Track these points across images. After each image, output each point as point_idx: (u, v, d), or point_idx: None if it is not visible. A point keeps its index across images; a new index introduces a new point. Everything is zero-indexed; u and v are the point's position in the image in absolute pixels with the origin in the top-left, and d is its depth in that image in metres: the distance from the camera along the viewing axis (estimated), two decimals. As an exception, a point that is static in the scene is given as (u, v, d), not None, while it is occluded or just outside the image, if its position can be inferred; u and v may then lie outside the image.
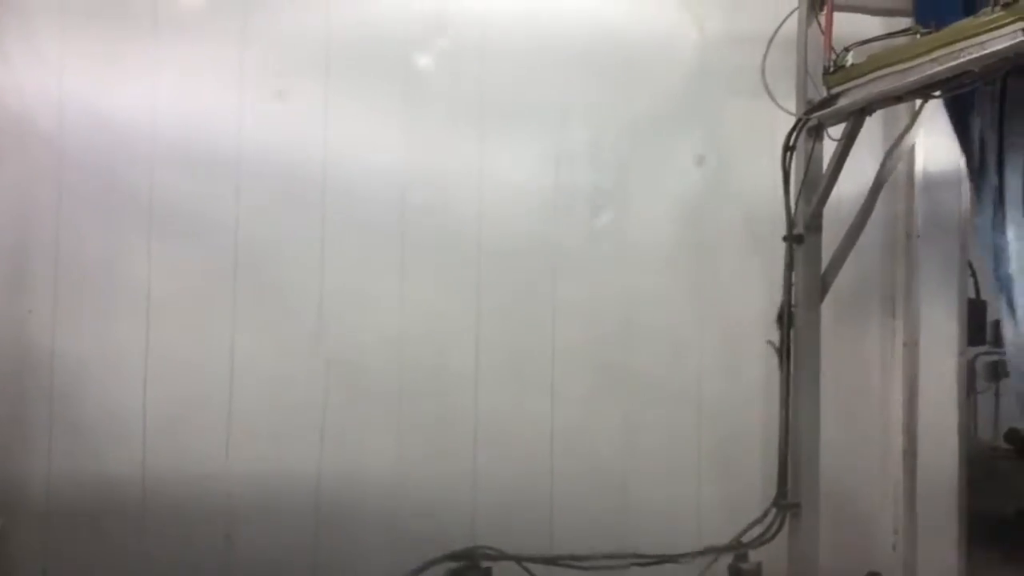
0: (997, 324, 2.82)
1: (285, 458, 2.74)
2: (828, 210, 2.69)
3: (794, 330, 2.70)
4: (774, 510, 2.71)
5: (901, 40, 2.31)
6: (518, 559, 2.70)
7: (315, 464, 2.76)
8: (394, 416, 2.80)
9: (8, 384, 2.68)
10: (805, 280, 2.69)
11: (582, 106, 2.91)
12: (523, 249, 2.88)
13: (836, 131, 2.58)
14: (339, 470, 2.76)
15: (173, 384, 2.72)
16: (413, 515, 2.77)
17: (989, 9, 1.90)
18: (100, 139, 2.72)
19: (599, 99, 2.91)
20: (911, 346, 2.98)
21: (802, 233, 2.67)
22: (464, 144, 2.86)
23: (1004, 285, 2.30)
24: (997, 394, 4.04)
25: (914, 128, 2.71)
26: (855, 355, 3.00)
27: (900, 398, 3.01)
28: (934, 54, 2.03)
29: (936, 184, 2.95)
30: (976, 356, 3.71)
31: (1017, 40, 1.81)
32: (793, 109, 2.69)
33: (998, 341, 2.97)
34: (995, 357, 3.77)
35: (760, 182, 2.79)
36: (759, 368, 2.85)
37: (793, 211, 2.68)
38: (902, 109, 2.71)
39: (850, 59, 2.38)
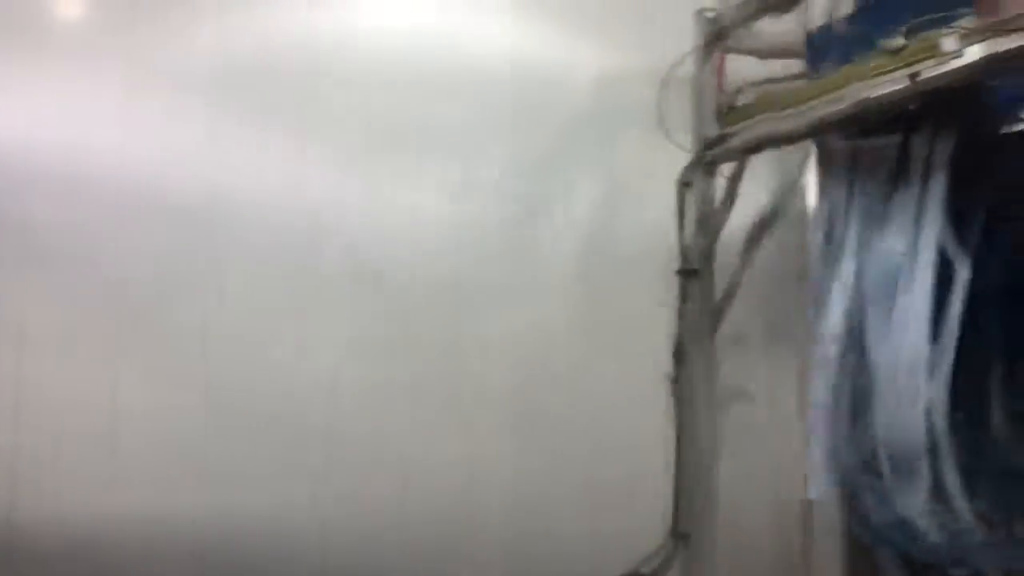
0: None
1: (168, 500, 2.63)
2: (728, 244, 2.73)
3: (686, 362, 2.73)
4: (671, 540, 2.73)
5: (797, 83, 2.36)
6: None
7: (200, 507, 2.64)
8: (284, 457, 2.71)
9: None
10: (698, 314, 2.73)
11: (483, 139, 2.89)
12: (424, 283, 2.84)
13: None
14: (224, 513, 2.66)
15: (48, 421, 2.57)
16: (311, 562, 2.69)
17: (877, 54, 1.92)
18: (-31, 164, 2.57)
19: (500, 133, 2.90)
20: (802, 376, 3.05)
21: (695, 268, 2.71)
22: (362, 174, 2.80)
23: None
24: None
25: (805, 166, 2.77)
26: (749, 386, 3.05)
27: (796, 427, 3.08)
28: (822, 98, 2.07)
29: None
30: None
31: (902, 86, 1.84)
32: (688, 146, 2.72)
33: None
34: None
35: (658, 217, 2.80)
36: (659, 401, 2.86)
37: (686, 246, 2.71)
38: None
39: (743, 100, 2.43)
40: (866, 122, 1.99)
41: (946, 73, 1.71)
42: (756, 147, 2.47)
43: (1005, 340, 1.94)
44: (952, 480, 1.82)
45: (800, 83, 2.32)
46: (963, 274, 1.83)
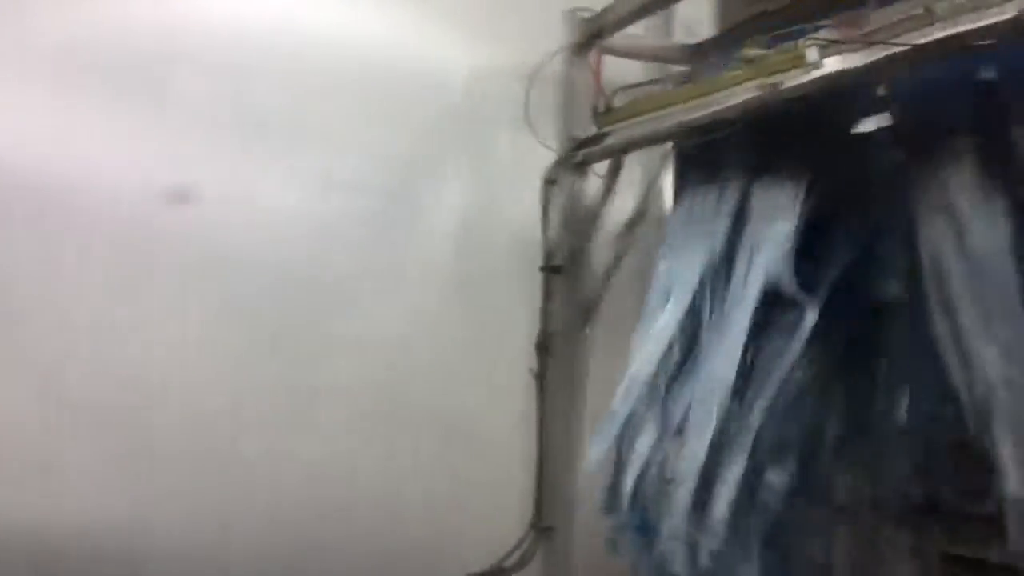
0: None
1: (8, 506, 2.45)
2: (606, 241, 2.77)
3: (551, 357, 2.77)
4: (533, 533, 2.76)
5: (671, 88, 2.42)
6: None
7: (44, 512, 2.48)
8: (137, 458, 2.58)
9: None
10: (565, 309, 2.77)
11: (351, 132, 2.83)
12: (284, 276, 2.76)
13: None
14: (71, 518, 2.50)
15: None
16: (155, 563, 2.57)
17: (737, 63, 1.98)
18: None
19: (368, 127, 2.85)
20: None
21: (560, 264, 2.76)
22: (225, 165, 2.69)
23: None
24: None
25: (665, 168, 2.86)
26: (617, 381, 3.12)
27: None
28: (689, 103, 2.13)
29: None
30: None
31: (752, 96, 1.90)
32: (555, 145, 2.76)
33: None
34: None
35: (526, 213, 2.82)
36: (525, 395, 2.87)
37: (552, 243, 2.75)
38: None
39: (619, 101, 2.48)
40: (722, 130, 2.03)
41: (805, 83, 1.78)
42: (626, 148, 2.52)
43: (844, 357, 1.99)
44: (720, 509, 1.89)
45: (673, 88, 2.39)
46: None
